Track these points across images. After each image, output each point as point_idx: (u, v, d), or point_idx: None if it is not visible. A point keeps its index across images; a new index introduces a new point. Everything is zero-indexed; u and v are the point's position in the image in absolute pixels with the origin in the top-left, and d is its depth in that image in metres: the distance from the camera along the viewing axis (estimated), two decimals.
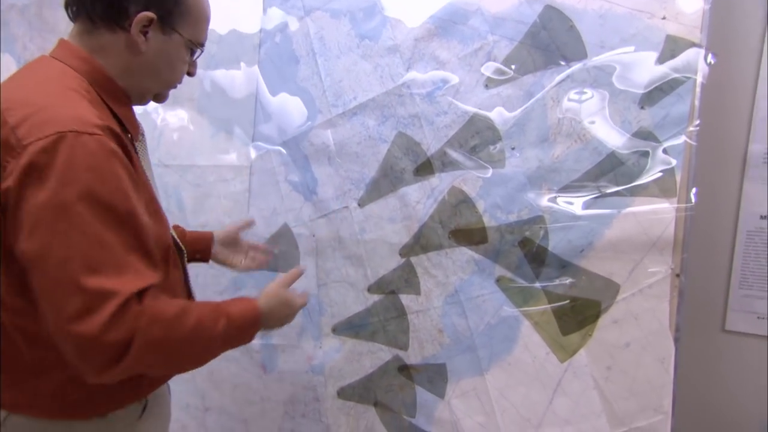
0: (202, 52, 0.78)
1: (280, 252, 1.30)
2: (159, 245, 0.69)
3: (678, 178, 0.96)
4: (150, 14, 0.66)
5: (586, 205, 1.02)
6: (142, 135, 0.78)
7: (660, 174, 0.98)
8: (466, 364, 1.10)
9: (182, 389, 1.35)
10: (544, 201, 1.06)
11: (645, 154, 0.99)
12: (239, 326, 0.72)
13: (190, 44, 0.73)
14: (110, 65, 0.68)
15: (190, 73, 0.79)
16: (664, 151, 0.97)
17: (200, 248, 1.00)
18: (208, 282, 1.37)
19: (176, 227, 0.96)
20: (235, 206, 1.33)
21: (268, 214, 1.31)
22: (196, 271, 1.36)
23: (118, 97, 0.70)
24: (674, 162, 0.96)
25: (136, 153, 0.73)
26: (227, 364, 1.32)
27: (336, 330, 1.24)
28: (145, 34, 0.67)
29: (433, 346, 1.14)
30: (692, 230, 0.97)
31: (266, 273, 1.23)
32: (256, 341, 1.28)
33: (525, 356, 1.06)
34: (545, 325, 1.05)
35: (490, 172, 1.10)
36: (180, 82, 0.80)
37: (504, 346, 1.08)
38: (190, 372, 1.32)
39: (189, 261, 0.89)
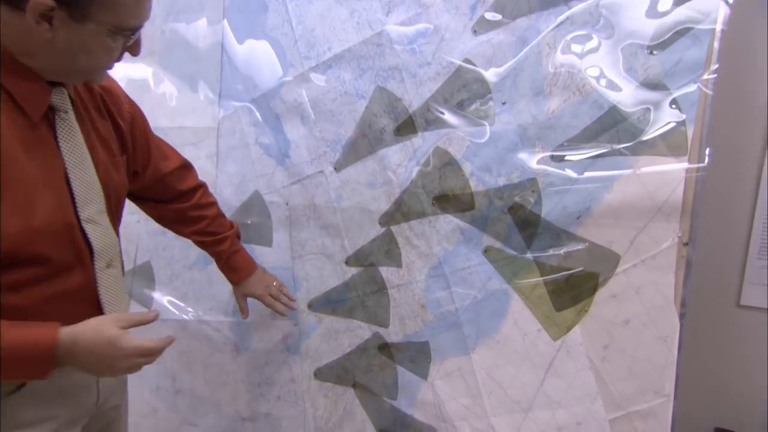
0: (137, 33, 0.70)
1: (251, 223, 1.24)
2: (26, 245, 0.63)
3: (689, 133, 0.88)
4: (48, 2, 0.58)
5: (584, 166, 0.95)
6: (66, 112, 0.70)
7: (669, 129, 0.90)
8: (450, 342, 1.05)
9: (152, 371, 1.31)
10: (538, 162, 0.99)
11: (653, 107, 0.91)
12: (14, 357, 0.62)
13: (114, 31, 0.66)
14: (11, 44, 0.63)
15: (132, 53, 0.71)
16: (675, 102, 0.89)
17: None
18: (176, 256, 1.32)
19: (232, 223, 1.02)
20: (203, 173, 1.25)
21: (237, 180, 1.25)
22: (164, 242, 1.32)
23: (17, 73, 0.64)
24: (686, 115, 0.88)
25: (54, 130, 0.67)
26: (198, 344, 1.28)
27: (312, 306, 1.19)
28: (50, 20, 0.60)
29: (416, 322, 1.08)
30: (704, 194, 0.90)
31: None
32: (227, 319, 1.26)
33: (514, 334, 1.00)
34: (537, 299, 0.99)
35: (478, 131, 1.03)
36: (110, 67, 0.72)
37: (492, 322, 1.03)
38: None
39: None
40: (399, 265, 1.10)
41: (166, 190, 0.97)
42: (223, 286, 1.15)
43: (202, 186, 1.02)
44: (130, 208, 1.27)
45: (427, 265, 1.08)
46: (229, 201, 1.24)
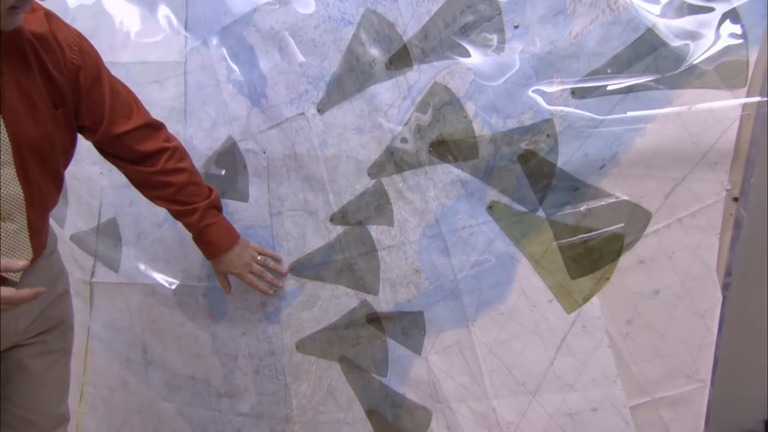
0: None
1: (225, 175, 1.16)
2: None
3: (752, 59, 0.75)
4: None
5: (612, 104, 0.83)
6: None
7: (723, 54, 0.76)
8: (448, 312, 0.97)
9: (121, 340, 1.28)
10: (555, 99, 0.87)
11: (702, 27, 0.77)
12: None
13: None
14: None
15: None
16: (734, 16, 0.75)
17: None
18: (144, 212, 1.25)
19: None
20: (171, 117, 1.18)
21: (208, 125, 1.17)
22: (130, 197, 1.25)
23: None
24: (749, 34, 0.74)
25: None
26: (170, 311, 1.23)
27: (293, 270, 1.12)
28: None
29: (409, 289, 1.00)
30: (764, 138, 0.77)
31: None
32: (200, 284, 1.20)
33: (522, 305, 0.91)
34: (549, 265, 0.89)
35: (484, 62, 0.91)
36: (17, 14, 0.68)
37: (495, 291, 0.94)
38: (129, 320, 1.28)
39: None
40: (390, 223, 1.01)
41: (126, 150, 0.94)
42: (195, 246, 1.08)
43: (169, 149, 0.96)
44: (93, 158, 1.21)
45: (422, 224, 0.99)
46: (199, 149, 1.17)
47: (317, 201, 1.08)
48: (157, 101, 1.19)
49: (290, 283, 1.13)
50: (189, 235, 1.05)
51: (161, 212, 1.20)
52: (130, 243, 1.27)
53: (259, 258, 1.06)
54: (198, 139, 1.17)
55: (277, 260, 1.10)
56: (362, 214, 1.04)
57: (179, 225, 1.13)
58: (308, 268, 1.11)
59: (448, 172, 0.97)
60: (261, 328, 1.16)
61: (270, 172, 1.12)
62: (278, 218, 1.12)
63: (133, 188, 1.02)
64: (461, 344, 0.97)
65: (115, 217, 1.27)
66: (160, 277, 1.24)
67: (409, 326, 1.02)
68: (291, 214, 1.11)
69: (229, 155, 1.15)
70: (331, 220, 1.07)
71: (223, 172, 1.17)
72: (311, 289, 1.11)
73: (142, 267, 1.27)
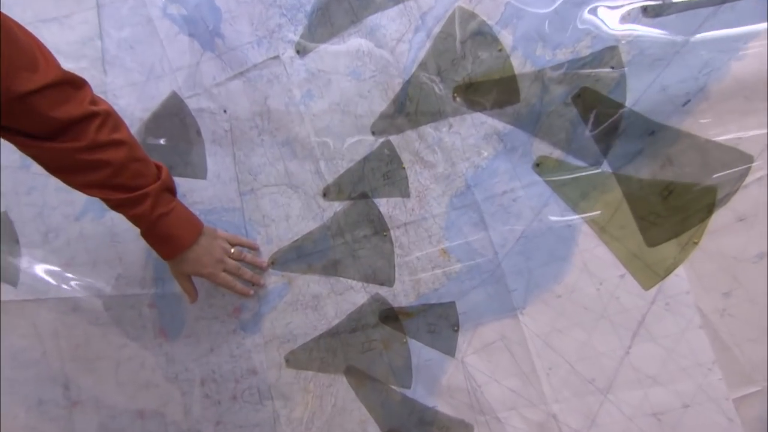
0: None
1: (168, 144, 0.93)
2: None
3: None
4: None
5: (698, 22, 0.70)
6: None
7: None
8: (488, 300, 0.84)
9: (29, 377, 1.01)
10: (621, 20, 0.73)
11: None
12: None
13: None
14: None
15: None
16: None
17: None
18: (51, 201, 1.00)
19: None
20: (81, 69, 0.92)
21: (140, 78, 0.94)
22: (28, 182, 0.98)
23: None
24: None
25: None
26: (102, 331, 1.00)
27: (276, 262, 0.93)
28: None
29: (434, 276, 0.85)
30: None
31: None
32: (146, 290, 0.97)
33: (584, 283, 0.78)
34: (619, 231, 0.76)
35: None
36: None
37: (550, 269, 0.80)
38: (41, 349, 1.01)
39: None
40: (405, 193, 0.84)
41: (36, 119, 0.70)
42: (134, 242, 0.91)
43: (99, 115, 0.73)
44: None
45: (449, 192, 0.84)
46: (129, 112, 0.95)
47: (303, 171, 0.90)
48: (59, 47, 0.92)
49: (273, 280, 0.93)
50: (122, 227, 0.88)
51: (77, 199, 0.95)
52: (34, 245, 1.00)
53: (232, 251, 0.86)
54: (126, 98, 0.94)
55: (255, 251, 0.89)
56: (366, 185, 0.87)
57: (108, 214, 0.90)
58: (296, 258, 0.92)
59: (481, 123, 0.81)
60: (236, 341, 0.95)
61: (235, 137, 0.91)
62: (250, 197, 0.92)
63: (32, 169, 0.79)
64: (507, 338, 0.83)
65: (7, 212, 1.00)
66: (84, 287, 1.00)
67: (437, 322, 0.86)
68: (268, 191, 0.91)
69: (175, 118, 0.94)
70: (324, 195, 0.89)
71: (166, 140, 0.95)
72: (302, 285, 0.92)
73: (54, 276, 1.02)
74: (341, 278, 0.90)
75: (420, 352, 0.88)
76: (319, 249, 0.91)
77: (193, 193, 0.95)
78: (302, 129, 0.88)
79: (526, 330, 0.82)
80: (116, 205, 0.78)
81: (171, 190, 0.82)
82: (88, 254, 1.00)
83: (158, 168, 0.80)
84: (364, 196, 0.88)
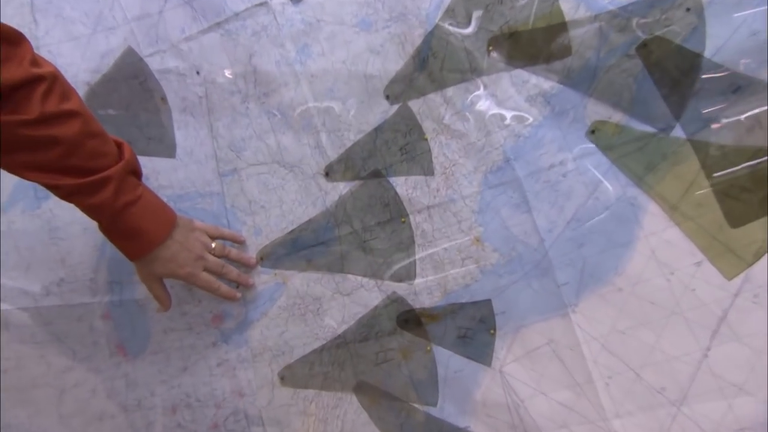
0: None
1: (127, 116, 0.77)
2: None
3: None
4: None
5: None
6: None
7: None
8: (532, 297, 0.72)
9: None
10: None
11: None
12: None
13: None
14: None
15: None
16: None
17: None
18: None
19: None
20: (14, 17, 0.76)
21: (86, 30, 0.81)
22: None
23: None
24: None
25: None
26: (37, 352, 0.84)
27: (267, 258, 0.79)
28: None
29: (465, 269, 0.73)
30: None
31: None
32: (97, 298, 0.82)
33: (651, 273, 0.67)
34: (695, 210, 0.65)
35: None
36: None
37: (608, 258, 0.69)
38: None
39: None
40: (429, 171, 0.73)
41: None
42: (80, 237, 0.78)
43: (44, 79, 0.60)
44: None
45: (483, 167, 0.72)
46: (71, 74, 0.78)
47: (300, 146, 0.77)
48: None
49: (263, 280, 0.79)
50: (64, 218, 0.77)
51: (3, 185, 0.82)
52: None
53: (213, 245, 0.73)
54: (66, 56, 0.80)
55: (240, 244, 0.73)
56: (379, 161, 0.75)
57: (45, 204, 0.79)
58: (292, 253, 0.79)
59: (523, 83, 0.69)
60: (216, 357, 0.81)
61: (212, 104, 0.78)
62: (233, 179, 0.78)
63: None
64: (556, 342, 0.72)
65: None
66: (14, 297, 0.84)
67: (469, 325, 0.74)
68: (255, 171, 0.78)
69: (132, 82, 0.80)
70: (327, 174, 0.76)
71: (121, 110, 0.79)
72: (300, 285, 0.78)
73: None
74: (349, 275, 0.77)
75: (448, 361, 0.75)
76: (321, 241, 0.77)
77: (158, 175, 0.80)
78: (298, 93, 0.75)
79: (580, 332, 0.70)
80: (68, 194, 0.64)
81: (136, 172, 0.68)
82: (19, 255, 0.84)
83: (119, 145, 0.67)
84: (376, 174, 0.75)
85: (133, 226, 0.66)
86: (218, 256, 0.73)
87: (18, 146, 0.60)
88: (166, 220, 0.68)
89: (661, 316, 0.68)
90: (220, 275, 0.73)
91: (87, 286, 0.83)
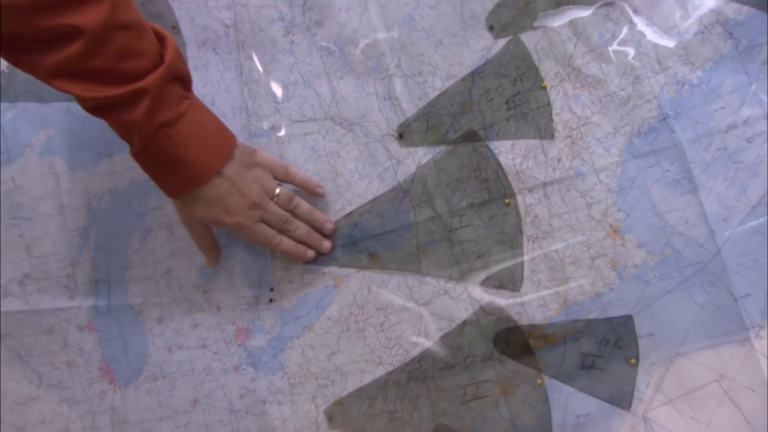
0: None
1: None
2: None
3: None
4: None
5: None
6: None
7: None
8: (695, 312, 0.58)
9: None
10: None
11: None
12: None
13: None
14: None
15: None
16: None
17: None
18: None
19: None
20: None
21: None
22: None
23: None
24: None
25: None
26: (10, 371, 0.74)
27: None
28: None
29: (597, 273, 0.60)
30: None
31: None
32: (79, 302, 0.70)
33: None
34: None
35: None
36: None
37: None
38: None
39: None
40: (547, 132, 0.62)
41: None
42: (53, 216, 0.67)
43: None
44: None
45: (627, 128, 0.58)
46: None
47: (363, 96, 0.66)
48: None
49: (307, 281, 0.66)
50: (33, 193, 0.69)
51: None
52: None
53: (278, 192, 0.62)
54: None
55: (318, 197, 0.65)
56: (476, 119, 0.62)
57: (11, 167, 0.70)
58: (348, 245, 0.69)
59: (693, 6, 0.55)
60: (240, 385, 0.70)
61: (243, 36, 0.69)
62: (269, 140, 0.70)
63: None
64: (731, 379, 0.60)
65: None
66: None
67: (599, 351, 0.62)
68: (300, 130, 0.69)
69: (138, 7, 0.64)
70: (401, 136, 0.65)
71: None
72: (358, 288, 0.66)
73: None
74: (428, 278, 0.63)
75: (567, 401, 0.61)
76: (391, 228, 0.64)
77: None
78: (363, 22, 0.62)
79: (764, 359, 0.55)
80: (93, 107, 0.57)
81: (182, 79, 0.57)
82: None
83: (161, 40, 0.56)
84: (471, 137, 0.62)
85: (169, 153, 0.55)
86: (282, 208, 0.61)
87: (28, 44, 0.52)
88: (217, 148, 0.57)
89: None
90: (283, 231, 0.61)
91: (62, 285, 0.71)
